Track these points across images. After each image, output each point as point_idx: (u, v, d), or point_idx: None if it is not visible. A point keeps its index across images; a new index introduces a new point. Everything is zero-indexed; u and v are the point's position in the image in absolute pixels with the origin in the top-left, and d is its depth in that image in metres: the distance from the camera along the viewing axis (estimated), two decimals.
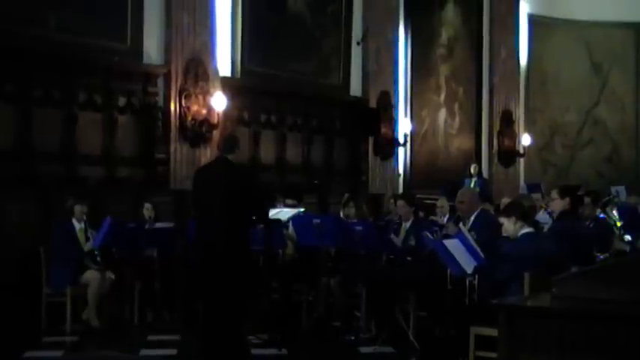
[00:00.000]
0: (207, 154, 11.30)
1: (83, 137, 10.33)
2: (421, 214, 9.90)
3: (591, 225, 9.02)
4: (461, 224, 7.79)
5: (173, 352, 7.77)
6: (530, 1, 18.76)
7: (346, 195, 10.63)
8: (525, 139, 18.13)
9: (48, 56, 9.95)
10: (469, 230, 7.55)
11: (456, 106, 17.20)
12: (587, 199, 9.12)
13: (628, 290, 4.32)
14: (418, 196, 11.63)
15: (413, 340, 8.01)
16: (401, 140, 15.32)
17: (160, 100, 11.18)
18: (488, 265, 6.76)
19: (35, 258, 8.85)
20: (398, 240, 8.63)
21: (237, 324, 7.33)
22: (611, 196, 12.58)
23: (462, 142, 17.27)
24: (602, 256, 8.14)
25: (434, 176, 15.89)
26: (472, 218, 7.97)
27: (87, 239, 8.99)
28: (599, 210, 9.84)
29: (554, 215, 8.68)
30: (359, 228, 8.68)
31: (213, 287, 7.20)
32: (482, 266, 6.80)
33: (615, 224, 9.54)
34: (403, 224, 8.92)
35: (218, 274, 7.12)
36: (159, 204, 10.04)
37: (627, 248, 8.96)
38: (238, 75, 12.48)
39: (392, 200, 11.62)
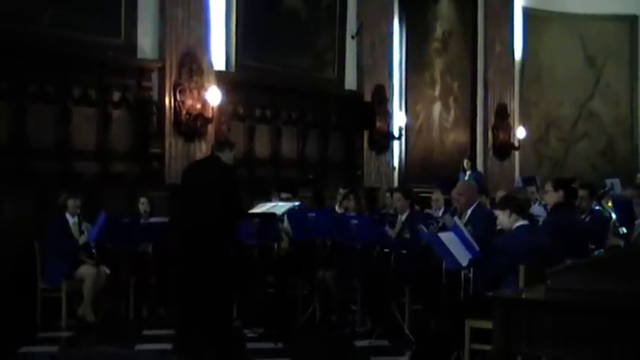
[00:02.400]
0: (202, 149, 11.30)
1: (78, 133, 10.33)
2: (416, 207, 9.90)
3: (587, 218, 9.02)
4: (456, 217, 7.80)
5: (168, 346, 7.77)
6: None
7: (344, 189, 10.60)
8: (520, 133, 18.13)
9: (42, 52, 9.94)
10: (466, 224, 7.55)
11: (451, 99, 17.20)
12: (583, 192, 9.11)
13: (622, 283, 4.33)
14: (414, 189, 11.62)
15: (408, 333, 8.02)
16: (396, 134, 15.33)
17: (155, 94, 11.18)
18: (484, 258, 6.77)
19: (30, 253, 8.84)
20: (392, 232, 8.64)
21: (223, 317, 7.64)
22: (607, 189, 12.58)
23: (457, 136, 17.28)
24: (596, 253, 8.13)
25: (429, 170, 15.88)
26: (469, 212, 7.97)
27: (81, 233, 8.99)
28: (594, 203, 9.83)
29: (548, 208, 8.68)
30: (355, 222, 8.68)
31: (198, 281, 7.49)
32: (477, 259, 6.81)
33: (610, 217, 9.54)
34: (399, 217, 8.93)
35: (203, 268, 7.45)
36: (154, 199, 10.03)
37: (622, 243, 8.95)
38: (233, 69, 12.48)
39: (387, 194, 11.62)
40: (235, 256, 7.94)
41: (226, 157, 7.82)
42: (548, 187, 8.36)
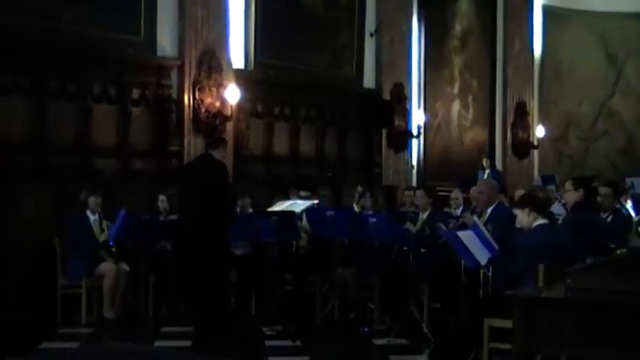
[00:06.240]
0: None
1: (97, 130, 10.37)
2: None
3: (609, 217, 8.95)
4: (475, 216, 7.78)
5: (187, 343, 7.79)
6: None
7: (361, 187, 10.62)
8: (539, 131, 18.06)
9: (62, 49, 9.98)
10: (486, 222, 7.52)
11: (470, 97, 17.16)
12: (606, 190, 9.02)
13: None
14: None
15: (427, 331, 8.02)
16: (414, 132, 15.29)
17: (174, 92, 11.20)
18: (503, 256, 6.75)
19: (50, 250, 8.90)
20: (413, 228, 8.64)
21: (221, 305, 8.11)
22: (627, 187, 12.50)
23: (475, 134, 17.23)
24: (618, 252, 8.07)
25: (447, 168, 15.86)
26: (489, 210, 7.94)
27: (102, 230, 9.04)
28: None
29: (568, 207, 8.64)
30: (373, 220, 8.68)
31: (195, 278, 7.89)
32: (496, 258, 6.79)
33: (630, 216, 9.47)
34: (420, 214, 8.92)
35: (198, 265, 7.82)
36: (173, 196, 10.04)
37: None
38: (252, 67, 12.48)
39: (406, 192, 11.61)
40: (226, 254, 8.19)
41: (220, 154, 8.13)
42: (568, 185, 8.33)
